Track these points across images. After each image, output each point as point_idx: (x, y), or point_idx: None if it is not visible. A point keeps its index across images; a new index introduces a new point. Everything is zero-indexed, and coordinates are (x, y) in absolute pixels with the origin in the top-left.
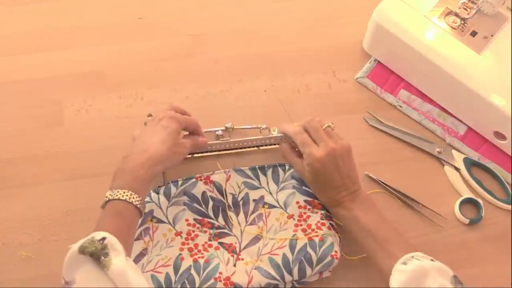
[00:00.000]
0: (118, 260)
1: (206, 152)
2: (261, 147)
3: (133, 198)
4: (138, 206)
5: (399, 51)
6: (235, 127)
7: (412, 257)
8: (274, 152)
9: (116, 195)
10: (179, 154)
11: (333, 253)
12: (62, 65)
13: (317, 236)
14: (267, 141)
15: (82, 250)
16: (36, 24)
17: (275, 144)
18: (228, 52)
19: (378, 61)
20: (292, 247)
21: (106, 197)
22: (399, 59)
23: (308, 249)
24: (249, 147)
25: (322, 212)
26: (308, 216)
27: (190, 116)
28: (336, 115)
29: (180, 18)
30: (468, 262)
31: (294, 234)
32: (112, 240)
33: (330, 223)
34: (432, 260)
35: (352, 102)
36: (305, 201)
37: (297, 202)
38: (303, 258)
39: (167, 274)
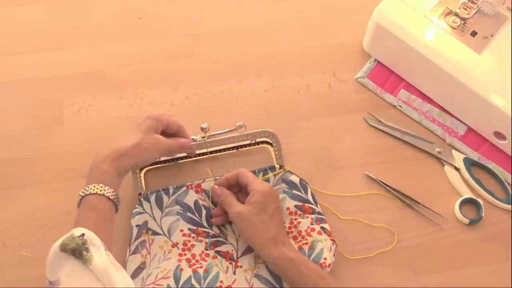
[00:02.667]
0: (99, 254)
1: (186, 157)
2: (240, 149)
3: (104, 190)
4: (111, 197)
5: (399, 51)
6: (212, 133)
7: None
8: (257, 155)
9: (88, 191)
10: (151, 149)
11: (322, 261)
12: (62, 65)
13: (306, 243)
14: (245, 138)
15: (63, 248)
16: (36, 24)
17: (254, 143)
18: (228, 52)
19: (378, 61)
20: None
21: (79, 195)
22: (399, 59)
23: None
24: (228, 148)
25: (313, 216)
26: (299, 222)
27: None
28: (336, 115)
29: (180, 18)
30: (468, 262)
31: None
32: (90, 235)
33: (321, 227)
34: None
35: (352, 102)
36: (296, 206)
37: (288, 208)
38: None
39: (169, 286)
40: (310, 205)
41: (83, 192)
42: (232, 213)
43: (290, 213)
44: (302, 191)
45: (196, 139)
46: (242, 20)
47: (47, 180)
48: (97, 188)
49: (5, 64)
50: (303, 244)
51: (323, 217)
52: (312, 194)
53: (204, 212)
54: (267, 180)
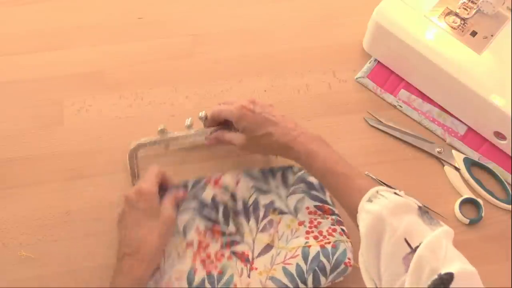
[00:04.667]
0: None
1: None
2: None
3: None
4: None
5: (399, 51)
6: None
7: (377, 191)
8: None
9: None
10: (170, 226)
11: (346, 260)
12: (62, 65)
13: (329, 243)
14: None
15: None
16: (36, 24)
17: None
18: (228, 52)
19: (378, 61)
20: (305, 256)
21: None
22: (399, 59)
23: (322, 257)
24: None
25: (333, 217)
26: (319, 223)
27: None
28: (336, 115)
29: (180, 18)
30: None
31: (307, 242)
32: None
33: (341, 229)
34: (395, 193)
35: (352, 102)
36: (315, 206)
37: (307, 208)
38: (316, 268)
39: None
40: (329, 206)
41: None
42: (233, 142)
43: (310, 213)
44: (321, 192)
45: (202, 116)
46: (242, 20)
47: (47, 180)
48: None
49: (5, 64)
50: (325, 243)
51: (341, 219)
52: (330, 196)
53: (221, 208)
54: (287, 180)
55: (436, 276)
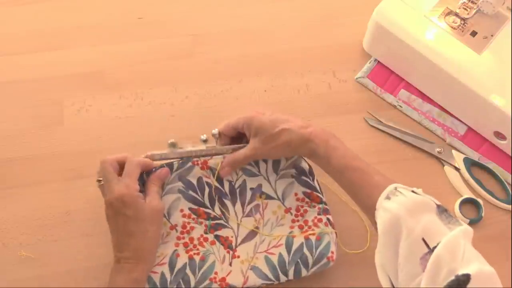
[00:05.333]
0: None
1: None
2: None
3: None
4: None
5: (399, 51)
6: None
7: (395, 188)
8: None
9: None
10: (160, 217)
11: (329, 254)
12: (62, 65)
13: (313, 234)
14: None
15: None
16: (36, 24)
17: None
18: (228, 52)
19: (378, 61)
20: (288, 246)
21: None
22: (399, 59)
23: (305, 250)
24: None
25: (320, 206)
26: (306, 211)
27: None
28: (336, 115)
29: (180, 18)
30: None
31: (291, 231)
32: None
33: (327, 218)
34: (413, 191)
35: (352, 102)
36: (304, 193)
37: (295, 194)
38: (299, 260)
39: (162, 274)
40: (318, 194)
41: None
42: (243, 159)
43: (297, 199)
44: (310, 178)
45: (215, 133)
46: (242, 20)
47: (47, 180)
48: None
49: (5, 64)
50: (310, 234)
51: (328, 207)
52: (318, 183)
53: (207, 190)
54: (278, 164)
55: (453, 277)
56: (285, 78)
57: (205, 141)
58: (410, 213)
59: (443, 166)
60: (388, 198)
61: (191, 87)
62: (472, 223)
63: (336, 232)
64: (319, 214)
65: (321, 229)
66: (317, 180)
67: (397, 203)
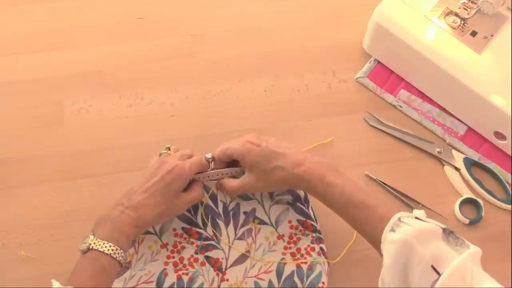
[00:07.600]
0: None
1: None
2: None
3: (118, 253)
4: (122, 264)
5: (399, 51)
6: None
7: (399, 219)
8: None
9: (102, 247)
10: (173, 214)
11: (320, 284)
12: (62, 65)
13: (305, 263)
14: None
15: None
16: (36, 24)
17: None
18: (228, 52)
19: (378, 61)
20: (279, 273)
21: (89, 243)
22: (399, 59)
23: (295, 278)
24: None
25: (314, 235)
26: (299, 239)
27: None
28: (336, 115)
29: (180, 18)
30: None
31: (283, 258)
32: None
33: (320, 247)
34: (416, 217)
35: (352, 102)
36: (298, 220)
37: (289, 221)
38: None
39: None
40: (312, 222)
41: (95, 244)
42: (236, 190)
43: (291, 227)
44: (305, 206)
45: (209, 158)
46: (242, 20)
47: (47, 180)
48: (112, 249)
49: (5, 64)
50: (301, 263)
51: (321, 236)
52: (312, 210)
53: (200, 210)
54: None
55: None
56: (285, 78)
57: (211, 159)
58: (418, 242)
59: (443, 166)
60: (393, 230)
61: (191, 87)
62: (472, 223)
63: (329, 262)
64: (312, 242)
65: (314, 258)
66: (311, 208)
67: (402, 234)
